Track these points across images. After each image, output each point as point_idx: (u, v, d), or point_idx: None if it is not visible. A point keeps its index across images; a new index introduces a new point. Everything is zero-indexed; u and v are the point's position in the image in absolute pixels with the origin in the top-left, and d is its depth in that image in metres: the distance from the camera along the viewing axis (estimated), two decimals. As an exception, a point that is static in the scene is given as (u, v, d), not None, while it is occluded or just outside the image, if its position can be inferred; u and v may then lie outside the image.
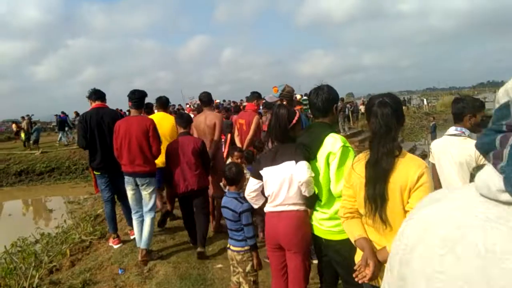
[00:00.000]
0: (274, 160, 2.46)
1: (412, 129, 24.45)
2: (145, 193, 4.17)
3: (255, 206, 2.68)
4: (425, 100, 37.56)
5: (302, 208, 2.45)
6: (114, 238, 4.74)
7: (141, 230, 4.17)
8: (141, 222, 4.21)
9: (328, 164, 2.30)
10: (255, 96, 6.12)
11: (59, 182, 15.32)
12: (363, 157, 1.88)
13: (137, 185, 4.16)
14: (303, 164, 2.31)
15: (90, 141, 4.46)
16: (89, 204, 11.58)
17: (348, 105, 21.31)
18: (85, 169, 16.19)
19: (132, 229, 4.93)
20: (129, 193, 4.22)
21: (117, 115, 4.67)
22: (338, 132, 2.42)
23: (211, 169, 4.58)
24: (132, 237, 4.89)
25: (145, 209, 4.20)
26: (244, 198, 2.70)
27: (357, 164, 1.89)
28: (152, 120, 4.22)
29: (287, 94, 3.60)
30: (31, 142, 18.63)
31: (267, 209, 2.54)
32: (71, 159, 16.73)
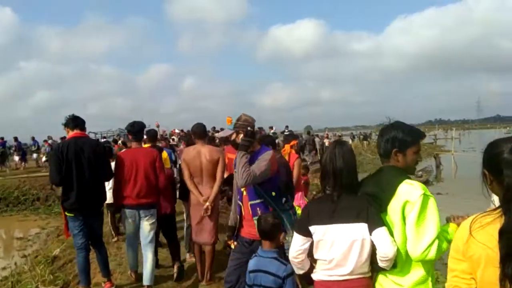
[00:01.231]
0: (334, 214, 1.95)
1: (375, 163, 24.90)
2: (146, 223, 4.09)
3: (299, 272, 2.13)
4: (383, 135, 38.69)
5: (368, 274, 1.96)
6: (86, 293, 3.94)
7: (135, 255, 4.24)
8: (135, 248, 4.26)
9: (404, 217, 1.85)
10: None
11: (5, 214, 13.74)
12: (488, 221, 1.43)
13: (139, 217, 4.07)
14: (384, 232, 1.85)
15: (65, 176, 3.73)
16: (41, 240, 10.35)
17: (317, 139, 21.59)
18: (36, 200, 14.74)
19: (107, 281, 4.20)
20: (130, 226, 4.12)
21: (99, 145, 4.03)
22: (413, 178, 1.97)
23: (208, 212, 4.10)
24: (107, 291, 4.12)
25: (145, 242, 4.09)
26: (285, 258, 2.15)
27: (479, 230, 1.44)
28: (157, 152, 4.20)
29: (243, 124, 2.91)
30: None
31: (319, 277, 2.01)
32: (20, 188, 15.16)
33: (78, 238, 3.89)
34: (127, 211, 4.05)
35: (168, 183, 4.47)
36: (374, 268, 1.95)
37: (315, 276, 2.04)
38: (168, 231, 4.71)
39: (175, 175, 5.72)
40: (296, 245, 2.04)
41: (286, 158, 4.99)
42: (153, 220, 4.12)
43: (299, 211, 3.15)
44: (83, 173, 3.79)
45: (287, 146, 5.25)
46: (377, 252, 1.87)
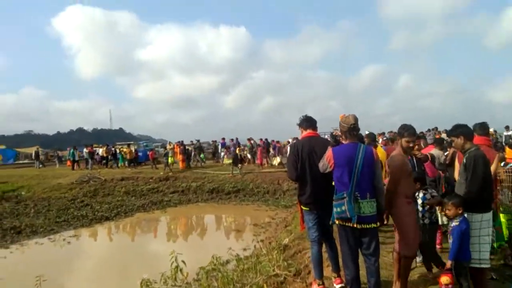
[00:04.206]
0: None
1: None
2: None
3: None
4: None
5: None
6: (319, 285, 4.14)
7: None
8: None
9: None
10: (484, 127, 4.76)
11: (243, 203, 16.18)
12: None
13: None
14: None
15: (300, 172, 4.03)
16: (272, 229, 11.65)
17: None
18: (266, 193, 16.81)
19: (337, 276, 4.29)
20: None
21: (330, 145, 4.15)
22: None
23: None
24: (337, 286, 4.21)
25: None
26: None
27: None
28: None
29: (340, 124, 3.63)
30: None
31: None
32: (254, 182, 17.66)
33: (313, 231, 4.12)
34: None
35: None
36: None
37: None
38: None
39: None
40: None
41: None
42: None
43: None
44: (316, 170, 3.99)
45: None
46: None
